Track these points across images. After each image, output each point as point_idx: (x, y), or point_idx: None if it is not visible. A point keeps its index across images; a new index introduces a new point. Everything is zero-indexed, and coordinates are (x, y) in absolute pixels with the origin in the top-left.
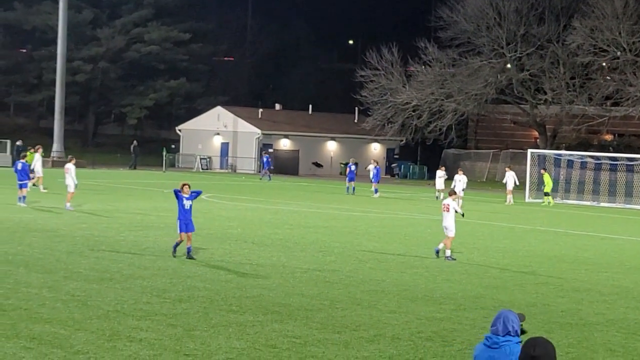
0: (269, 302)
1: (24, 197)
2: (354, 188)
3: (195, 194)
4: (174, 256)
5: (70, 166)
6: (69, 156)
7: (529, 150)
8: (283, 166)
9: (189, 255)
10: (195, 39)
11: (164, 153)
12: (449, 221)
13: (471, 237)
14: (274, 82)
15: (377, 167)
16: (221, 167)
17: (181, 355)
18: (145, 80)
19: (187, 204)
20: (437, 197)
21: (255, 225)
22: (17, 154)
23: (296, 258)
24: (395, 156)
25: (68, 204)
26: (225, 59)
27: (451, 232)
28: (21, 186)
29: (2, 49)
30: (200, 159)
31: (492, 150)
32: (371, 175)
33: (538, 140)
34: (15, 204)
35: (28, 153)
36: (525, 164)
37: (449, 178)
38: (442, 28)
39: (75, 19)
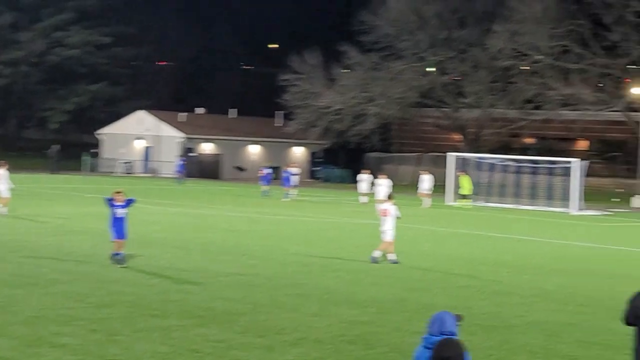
0: (192, 306)
1: None
2: (267, 191)
3: (129, 202)
4: (120, 266)
5: (2, 172)
6: (1, 162)
7: (449, 154)
8: (206, 170)
9: (116, 259)
10: (117, 43)
11: (85, 157)
12: (388, 225)
13: (397, 240)
14: (197, 85)
15: (287, 170)
16: (144, 172)
17: None
18: (66, 84)
19: (120, 212)
20: (361, 201)
21: (179, 230)
22: None
23: (219, 262)
24: (319, 160)
25: (5, 209)
26: (162, 63)
27: (389, 236)
28: None
29: None
30: (122, 163)
31: (415, 154)
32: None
33: (460, 143)
34: None
35: None
36: (446, 167)
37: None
38: (364, 32)
39: None
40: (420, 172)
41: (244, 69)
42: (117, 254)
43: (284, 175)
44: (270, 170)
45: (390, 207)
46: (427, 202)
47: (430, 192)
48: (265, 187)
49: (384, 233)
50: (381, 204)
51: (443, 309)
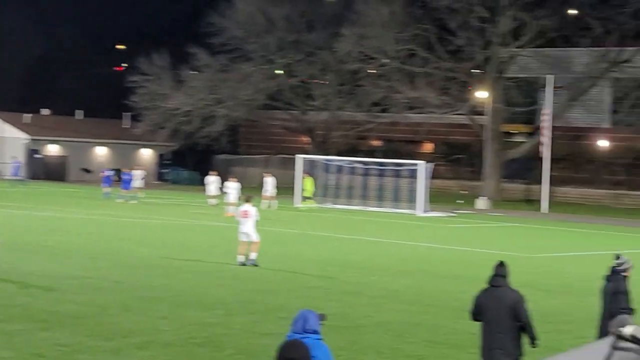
0: (36, 310)
1: None
2: (108, 193)
3: None
4: None
5: None
6: None
7: (298, 156)
8: (51, 172)
9: None
10: None
11: None
12: (249, 227)
13: (233, 242)
14: (43, 86)
15: (127, 173)
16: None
17: None
18: None
19: None
20: (210, 204)
21: (23, 232)
22: None
23: (65, 265)
24: (167, 162)
25: None
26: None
27: (255, 237)
28: None
29: None
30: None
31: (263, 156)
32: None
33: (309, 145)
34: None
35: None
36: (295, 169)
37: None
38: (213, 34)
39: None
40: (264, 174)
41: (91, 70)
42: None
43: (123, 177)
44: (111, 172)
45: (251, 209)
46: (273, 204)
47: (274, 195)
48: (107, 189)
49: (244, 235)
50: (240, 206)
51: (291, 310)
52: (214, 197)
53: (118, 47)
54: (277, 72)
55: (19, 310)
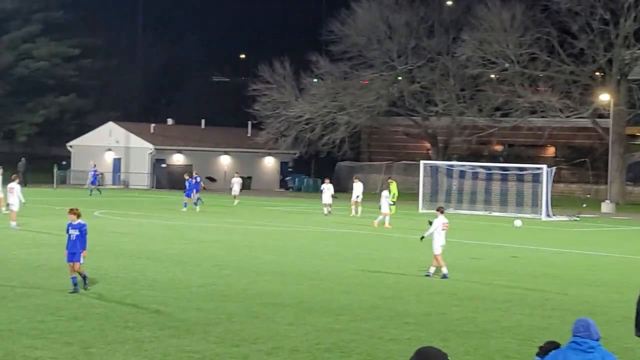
0: (165, 317)
1: None
2: (199, 199)
3: (80, 227)
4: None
5: (14, 185)
6: (14, 175)
7: (422, 162)
8: (176, 181)
9: (74, 288)
10: (85, 55)
11: (55, 170)
12: (442, 239)
13: (367, 247)
14: (167, 97)
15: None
16: (113, 183)
17: None
18: (34, 96)
19: (72, 233)
20: (326, 213)
21: (150, 241)
22: None
23: (192, 273)
24: (290, 169)
25: (13, 223)
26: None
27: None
28: None
29: None
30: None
31: (385, 162)
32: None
33: (430, 151)
34: None
35: None
36: (418, 175)
37: (345, 189)
38: (334, 42)
39: None
40: (354, 179)
41: (213, 80)
42: (72, 279)
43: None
44: (198, 179)
45: (444, 219)
46: (355, 210)
47: (359, 201)
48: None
49: (441, 248)
50: (437, 218)
51: (417, 315)
52: (328, 205)
53: (240, 56)
54: (398, 78)
55: (148, 318)
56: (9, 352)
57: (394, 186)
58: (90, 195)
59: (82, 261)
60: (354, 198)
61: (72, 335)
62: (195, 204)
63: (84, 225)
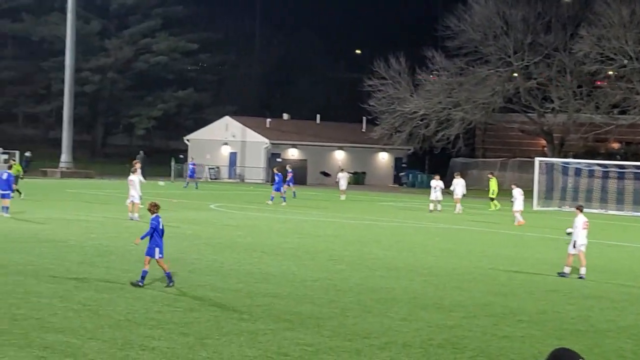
0: (279, 310)
1: (7, 207)
2: (293, 192)
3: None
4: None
5: (133, 178)
6: (132, 168)
7: (537, 159)
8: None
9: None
10: (203, 49)
11: (172, 163)
12: (584, 238)
13: (479, 244)
14: (282, 91)
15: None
16: (229, 177)
17: None
18: (153, 90)
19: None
20: (431, 209)
21: (265, 234)
22: (27, 164)
23: (306, 267)
24: (403, 165)
25: (136, 215)
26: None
27: (584, 249)
28: (4, 196)
29: (10, 59)
30: (209, 168)
31: (499, 159)
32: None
33: (546, 148)
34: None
35: (13, 163)
36: (533, 173)
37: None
38: (450, 37)
39: (84, 30)
40: (454, 175)
41: (329, 75)
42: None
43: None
44: (291, 172)
45: (584, 218)
46: (458, 207)
47: (459, 197)
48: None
49: (583, 246)
50: (577, 217)
51: (530, 313)
52: (437, 202)
53: (356, 51)
54: (514, 74)
55: (262, 310)
56: (127, 341)
57: (493, 182)
58: (186, 187)
59: (157, 256)
60: (457, 195)
61: (188, 326)
62: (285, 197)
63: (152, 219)
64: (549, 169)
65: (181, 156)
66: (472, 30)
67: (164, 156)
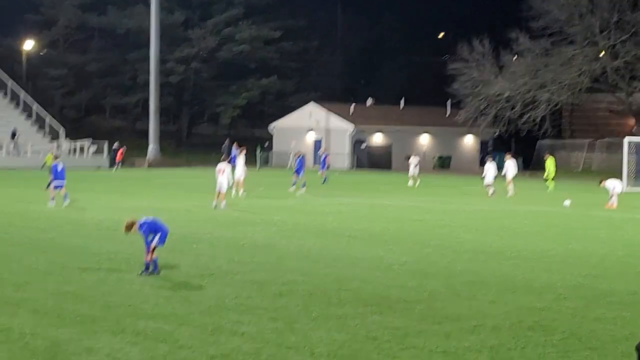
0: (368, 294)
1: (54, 198)
2: (325, 178)
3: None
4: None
5: (223, 166)
6: (222, 156)
7: (626, 139)
8: (376, 161)
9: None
10: (285, 37)
11: (258, 151)
12: None
13: (568, 226)
14: (366, 77)
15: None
16: (314, 164)
17: (283, 348)
18: (237, 79)
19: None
20: (491, 193)
21: (351, 220)
22: (114, 155)
23: (393, 251)
24: (489, 148)
25: (223, 202)
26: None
27: None
28: (58, 187)
29: (97, 52)
30: (294, 156)
31: (587, 140)
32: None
33: (634, 128)
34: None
35: (48, 155)
36: (622, 153)
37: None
38: (534, 18)
39: (167, 21)
40: (506, 154)
41: (412, 59)
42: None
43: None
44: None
45: None
46: (510, 189)
47: (510, 179)
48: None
49: None
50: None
51: (622, 295)
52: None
53: (439, 35)
54: (600, 54)
55: (351, 295)
56: (218, 326)
57: (550, 162)
58: (324, 183)
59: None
60: (509, 177)
61: (277, 311)
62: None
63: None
64: (638, 148)
65: (267, 144)
66: (556, 10)
67: (250, 144)
